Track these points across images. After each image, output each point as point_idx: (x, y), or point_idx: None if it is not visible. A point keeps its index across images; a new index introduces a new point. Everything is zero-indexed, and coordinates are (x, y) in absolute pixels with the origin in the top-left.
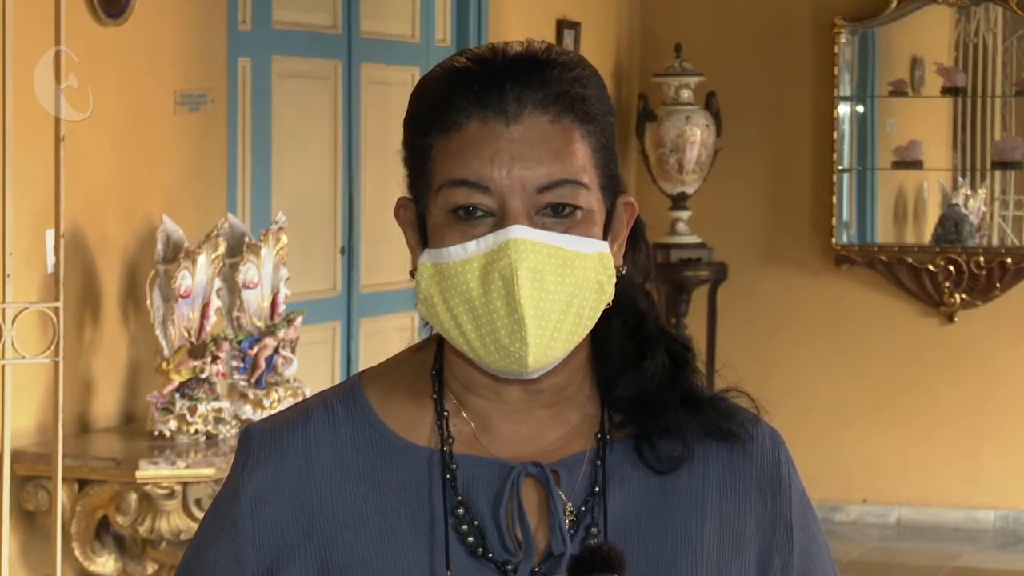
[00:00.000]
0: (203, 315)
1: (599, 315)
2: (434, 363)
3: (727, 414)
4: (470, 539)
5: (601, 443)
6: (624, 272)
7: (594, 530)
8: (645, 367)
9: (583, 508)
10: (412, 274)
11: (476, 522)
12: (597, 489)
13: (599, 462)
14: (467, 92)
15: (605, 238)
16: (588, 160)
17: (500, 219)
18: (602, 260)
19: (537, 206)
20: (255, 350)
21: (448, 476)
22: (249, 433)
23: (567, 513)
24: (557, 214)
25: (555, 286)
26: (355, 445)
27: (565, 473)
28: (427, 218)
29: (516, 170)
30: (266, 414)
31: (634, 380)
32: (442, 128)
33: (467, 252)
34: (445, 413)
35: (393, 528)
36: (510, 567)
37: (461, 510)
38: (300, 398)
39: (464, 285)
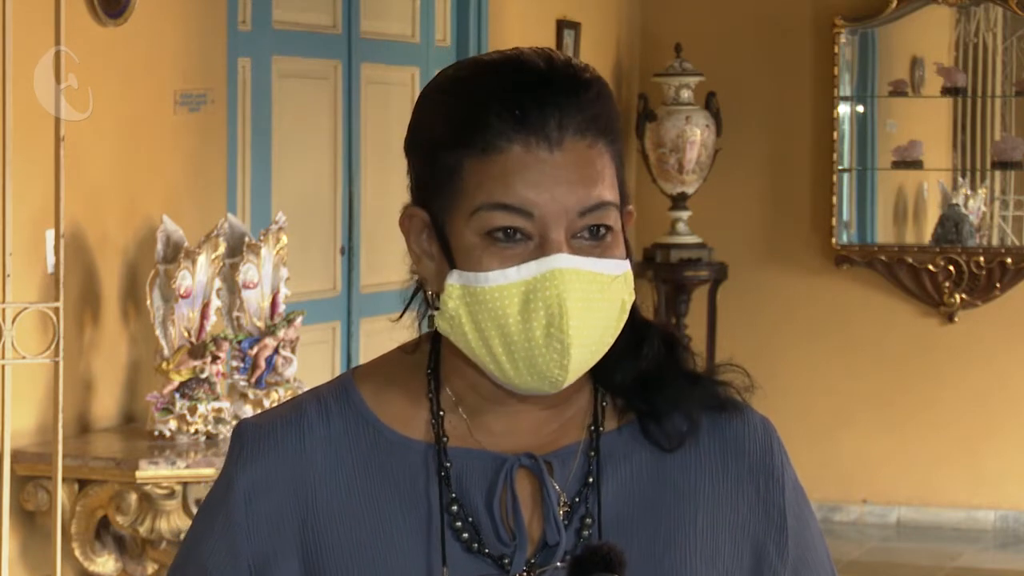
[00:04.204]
0: (203, 315)
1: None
2: (429, 362)
3: (723, 384)
4: (465, 535)
5: (595, 434)
6: None
7: (588, 520)
8: (644, 351)
9: (577, 499)
10: (419, 285)
11: (471, 518)
12: (591, 480)
13: (592, 453)
14: (505, 114)
15: None
16: (613, 178)
17: (540, 245)
18: (627, 279)
19: (574, 230)
20: (255, 350)
21: (443, 474)
22: (242, 428)
23: (561, 503)
24: (593, 236)
25: (597, 312)
26: (349, 439)
27: (558, 464)
28: (452, 236)
29: (559, 195)
30: None
31: (634, 365)
32: (479, 149)
33: (507, 279)
34: (441, 413)
35: (388, 520)
36: (505, 560)
37: (455, 507)
38: None
39: (501, 311)
